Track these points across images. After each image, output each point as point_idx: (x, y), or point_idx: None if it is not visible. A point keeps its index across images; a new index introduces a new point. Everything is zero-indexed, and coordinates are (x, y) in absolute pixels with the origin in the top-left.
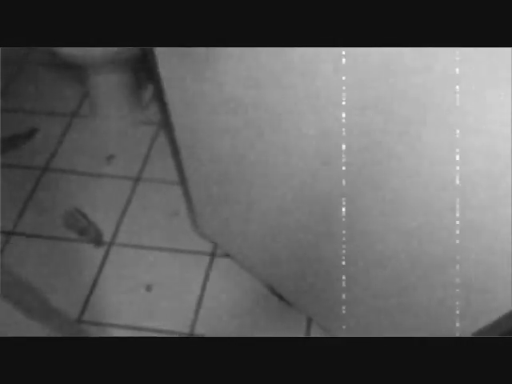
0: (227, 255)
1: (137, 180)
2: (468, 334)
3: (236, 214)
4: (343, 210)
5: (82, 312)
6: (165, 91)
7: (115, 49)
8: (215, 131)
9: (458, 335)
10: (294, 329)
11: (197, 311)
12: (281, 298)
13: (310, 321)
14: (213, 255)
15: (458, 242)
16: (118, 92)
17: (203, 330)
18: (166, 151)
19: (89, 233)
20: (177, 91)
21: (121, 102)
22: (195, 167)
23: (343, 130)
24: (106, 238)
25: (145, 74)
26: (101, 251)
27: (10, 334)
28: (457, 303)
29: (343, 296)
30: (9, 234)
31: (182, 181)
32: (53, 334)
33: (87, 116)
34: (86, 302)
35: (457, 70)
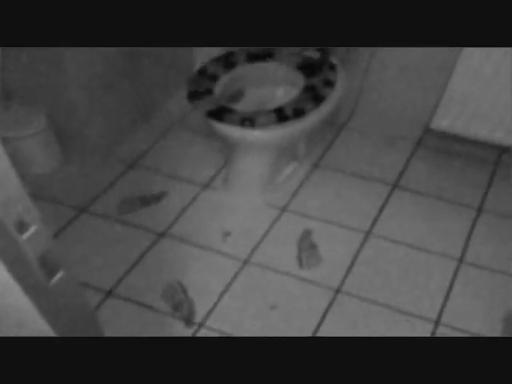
0: None
1: (245, 263)
2: None
3: None
4: None
5: None
6: None
7: (274, 133)
8: None
9: None
10: None
11: None
12: None
13: None
14: None
15: None
16: (256, 172)
17: None
18: (289, 237)
19: (182, 309)
20: None
21: (256, 182)
22: None
23: None
24: (198, 318)
25: (285, 158)
26: (189, 332)
27: None
28: None
29: None
30: (107, 293)
31: None
32: None
33: (218, 189)
34: None
35: None
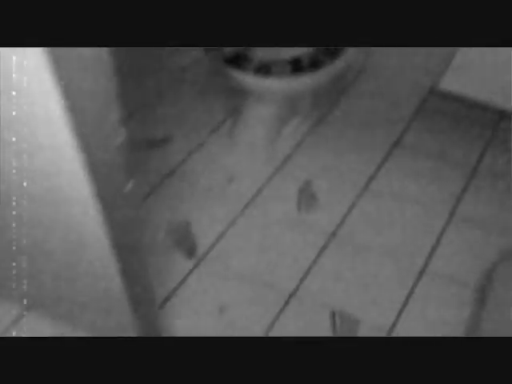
0: None
1: (246, 206)
2: None
3: None
4: None
5: None
6: None
7: (287, 84)
8: None
9: None
10: None
11: None
12: None
13: None
14: None
15: None
16: (264, 122)
17: None
18: (290, 186)
19: (185, 243)
20: None
21: (262, 131)
22: None
23: None
24: (200, 252)
25: (293, 111)
26: (190, 264)
27: None
28: None
29: None
30: None
31: None
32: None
33: (225, 135)
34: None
35: None
